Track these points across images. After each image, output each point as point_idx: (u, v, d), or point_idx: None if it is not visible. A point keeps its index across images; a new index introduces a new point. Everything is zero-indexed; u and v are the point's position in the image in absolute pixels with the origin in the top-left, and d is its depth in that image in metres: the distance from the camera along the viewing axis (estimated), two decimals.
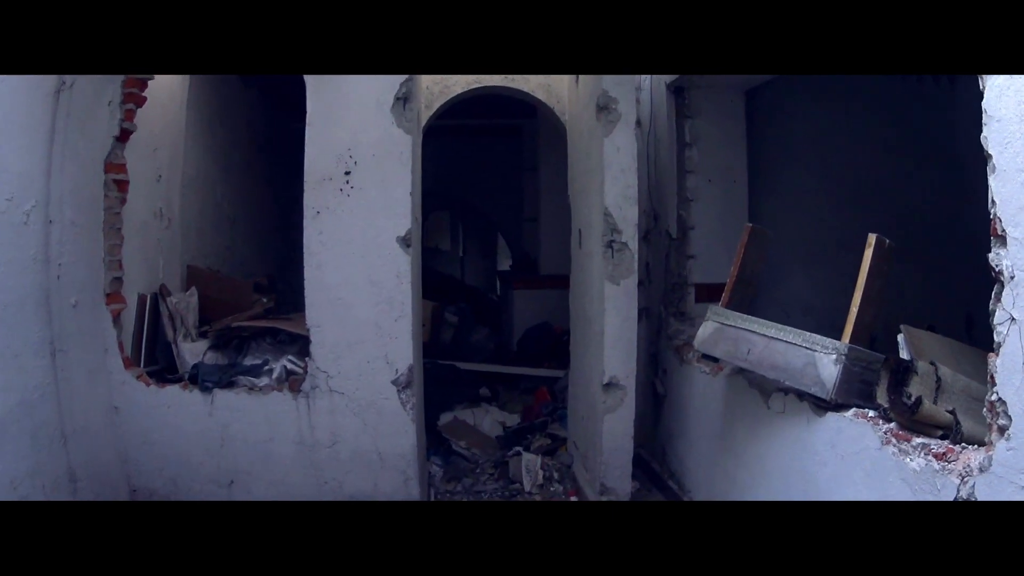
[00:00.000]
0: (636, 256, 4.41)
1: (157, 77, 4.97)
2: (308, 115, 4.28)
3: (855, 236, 5.79)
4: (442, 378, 6.81)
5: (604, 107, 4.38)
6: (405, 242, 4.28)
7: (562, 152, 8.42)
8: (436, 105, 5.50)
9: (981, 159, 2.13)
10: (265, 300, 5.73)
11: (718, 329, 3.94)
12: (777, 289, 5.29)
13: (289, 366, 4.69)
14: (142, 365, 4.62)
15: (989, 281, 2.12)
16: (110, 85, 4.32)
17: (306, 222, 4.29)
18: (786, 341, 3.32)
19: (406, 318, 4.30)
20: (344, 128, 4.24)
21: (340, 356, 4.33)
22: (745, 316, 3.80)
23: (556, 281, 8.16)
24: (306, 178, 4.28)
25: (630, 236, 4.39)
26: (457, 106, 5.94)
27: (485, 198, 12.21)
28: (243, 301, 5.57)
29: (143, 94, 4.52)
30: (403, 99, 4.23)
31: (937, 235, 5.22)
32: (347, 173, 4.25)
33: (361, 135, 4.24)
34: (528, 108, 9.13)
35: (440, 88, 5.48)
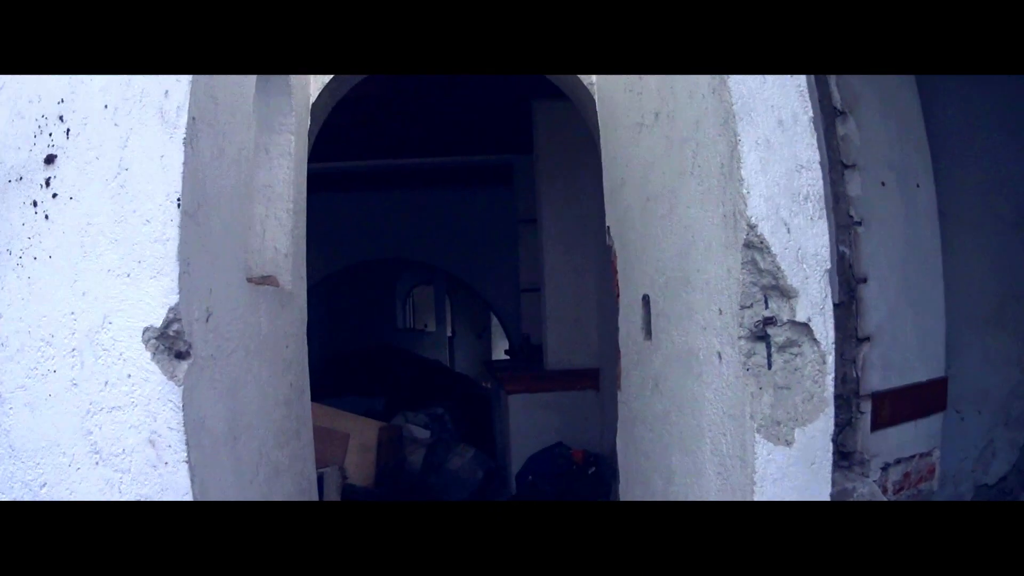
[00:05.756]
0: (831, 360, 1.71)
1: None
2: None
3: None
4: None
5: None
6: (170, 347, 1.62)
7: (573, 190, 6.02)
8: None
9: None
10: None
11: None
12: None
13: None
14: None
15: None
16: None
17: None
18: None
19: None
20: None
21: None
22: None
23: (571, 380, 5.60)
24: None
25: (816, 305, 1.68)
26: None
27: (473, 265, 9.81)
28: None
29: None
30: None
31: None
32: (49, 160, 1.66)
33: None
34: (522, 139, 6.80)
35: None
